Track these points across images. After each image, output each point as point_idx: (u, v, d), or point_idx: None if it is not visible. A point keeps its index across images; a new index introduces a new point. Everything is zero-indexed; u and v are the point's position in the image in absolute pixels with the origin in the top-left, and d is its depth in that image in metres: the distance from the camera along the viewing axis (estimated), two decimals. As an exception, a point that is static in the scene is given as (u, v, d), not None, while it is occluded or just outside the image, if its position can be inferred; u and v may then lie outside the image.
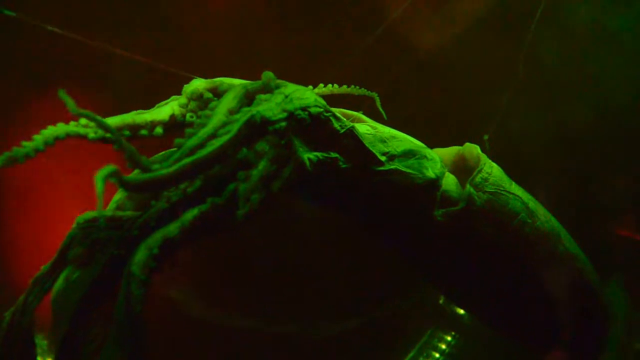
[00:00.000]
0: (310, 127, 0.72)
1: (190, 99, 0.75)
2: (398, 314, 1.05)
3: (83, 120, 0.71)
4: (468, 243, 0.86)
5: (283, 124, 0.67)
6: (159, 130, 0.78)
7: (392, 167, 0.80)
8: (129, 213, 0.73)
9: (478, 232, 0.85)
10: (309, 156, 0.73)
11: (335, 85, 0.84)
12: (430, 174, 0.83)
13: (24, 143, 0.63)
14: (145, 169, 0.60)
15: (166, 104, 0.80)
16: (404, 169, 0.81)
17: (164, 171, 0.58)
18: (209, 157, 0.61)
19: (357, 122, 0.88)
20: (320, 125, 0.74)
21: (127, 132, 0.75)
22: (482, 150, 0.96)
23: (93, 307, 0.65)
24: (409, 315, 1.10)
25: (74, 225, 0.70)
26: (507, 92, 1.09)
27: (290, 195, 0.75)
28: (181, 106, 0.77)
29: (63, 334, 0.62)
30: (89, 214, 0.71)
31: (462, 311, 1.09)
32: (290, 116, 0.68)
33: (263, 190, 0.69)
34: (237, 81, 0.77)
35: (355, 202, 0.82)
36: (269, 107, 0.66)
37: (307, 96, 0.72)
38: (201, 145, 0.62)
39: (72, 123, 0.70)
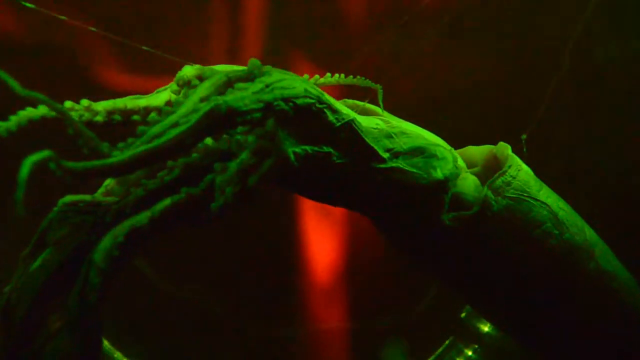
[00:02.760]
0: (298, 119, 0.68)
1: (179, 85, 0.73)
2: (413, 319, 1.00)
3: (68, 103, 0.70)
4: (481, 250, 0.78)
5: (257, 114, 0.63)
6: (153, 116, 0.76)
7: (394, 164, 0.74)
8: (109, 199, 0.72)
9: (492, 240, 0.78)
10: (294, 150, 0.68)
11: (342, 75, 0.79)
12: (438, 174, 0.76)
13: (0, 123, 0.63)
14: (104, 156, 0.59)
15: (164, 89, 0.78)
16: (407, 168, 0.75)
17: (114, 159, 0.56)
18: (162, 147, 0.58)
19: (371, 114, 0.83)
20: (311, 118, 0.69)
21: (117, 117, 0.73)
22: (519, 151, 0.88)
23: (56, 292, 0.64)
24: (426, 321, 1.03)
25: (54, 208, 0.70)
26: (550, 87, 0.99)
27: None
28: (174, 93, 0.75)
29: (21, 316, 0.62)
30: (69, 198, 0.70)
31: (485, 328, 1.01)
32: (268, 107, 0.64)
33: (238, 184, 0.66)
34: (230, 68, 0.74)
35: (355, 199, 0.77)
36: (241, 96, 0.62)
37: (295, 86, 0.67)
38: (161, 133, 0.59)
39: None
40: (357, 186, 0.74)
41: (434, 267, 0.85)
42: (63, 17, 0.84)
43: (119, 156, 0.57)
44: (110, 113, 0.73)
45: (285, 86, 0.67)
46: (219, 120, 0.61)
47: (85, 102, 0.71)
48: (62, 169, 0.53)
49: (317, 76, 0.79)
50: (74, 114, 0.69)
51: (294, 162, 0.69)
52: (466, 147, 0.92)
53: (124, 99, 0.75)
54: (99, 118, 0.72)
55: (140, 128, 0.60)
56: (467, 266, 0.81)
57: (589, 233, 0.85)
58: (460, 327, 1.02)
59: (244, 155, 0.67)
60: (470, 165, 0.90)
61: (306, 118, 0.69)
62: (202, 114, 0.60)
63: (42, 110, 0.67)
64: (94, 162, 0.56)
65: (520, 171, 0.82)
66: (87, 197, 0.70)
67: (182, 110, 0.61)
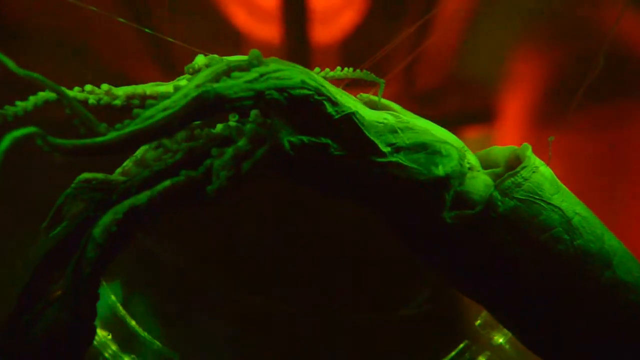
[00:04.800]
0: (293, 109, 0.70)
1: (189, 73, 0.76)
2: (425, 319, 0.99)
3: (88, 87, 0.76)
4: (484, 251, 0.77)
5: (247, 102, 0.66)
6: (151, 101, 0.80)
7: (394, 159, 0.75)
8: (120, 178, 0.76)
9: (494, 241, 0.77)
10: (290, 139, 0.70)
11: (351, 69, 0.80)
12: (439, 171, 0.76)
13: (17, 102, 0.69)
14: (101, 136, 0.63)
15: (183, 78, 0.82)
16: (406, 163, 0.75)
17: (102, 138, 0.60)
18: (149, 129, 0.61)
19: (384, 109, 0.84)
20: (309, 109, 0.71)
21: (136, 102, 0.78)
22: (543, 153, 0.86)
23: (57, 265, 0.69)
24: (438, 322, 1.02)
25: (72, 185, 0.76)
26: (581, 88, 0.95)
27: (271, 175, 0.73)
28: (188, 81, 0.79)
29: (23, 285, 0.67)
30: (85, 175, 0.75)
31: (500, 340, 0.99)
32: (258, 95, 0.66)
33: (232, 169, 0.68)
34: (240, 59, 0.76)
35: (355, 192, 0.78)
36: (232, 84, 0.65)
37: (291, 77, 0.69)
38: (152, 116, 0.63)
39: (75, 89, 0.75)
40: (355, 179, 0.75)
41: (438, 266, 0.84)
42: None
43: (108, 136, 0.61)
44: (129, 98, 0.78)
45: (280, 77, 0.69)
46: (207, 105, 0.64)
47: (105, 86, 0.76)
48: (49, 146, 0.57)
49: (327, 69, 0.81)
50: (92, 97, 0.75)
51: (289, 151, 0.71)
52: (491, 147, 0.91)
53: (144, 85, 0.80)
54: (117, 102, 0.77)
55: (136, 111, 0.64)
56: (469, 266, 0.79)
57: (609, 241, 0.82)
58: (473, 336, 1.00)
59: (241, 142, 0.70)
60: (495, 165, 0.89)
61: (303, 109, 0.71)
62: (190, 99, 0.63)
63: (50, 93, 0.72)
64: (84, 140, 0.60)
65: (535, 173, 0.80)
66: (100, 176, 0.75)
67: (177, 95, 0.65)
